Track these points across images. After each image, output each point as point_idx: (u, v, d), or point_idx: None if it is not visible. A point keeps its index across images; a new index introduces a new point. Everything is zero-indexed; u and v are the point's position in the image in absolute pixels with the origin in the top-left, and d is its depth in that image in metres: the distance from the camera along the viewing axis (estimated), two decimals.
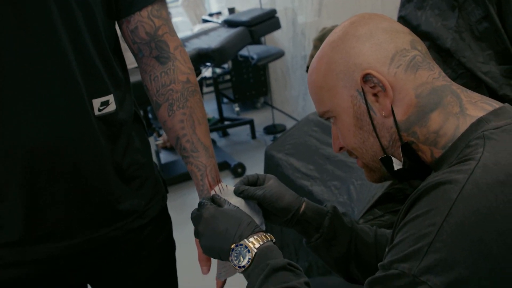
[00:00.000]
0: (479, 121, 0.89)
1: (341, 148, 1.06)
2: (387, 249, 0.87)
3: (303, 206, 1.18)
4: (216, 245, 1.05)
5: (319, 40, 3.01)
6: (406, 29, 0.99)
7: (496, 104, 0.93)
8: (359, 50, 0.96)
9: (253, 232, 1.02)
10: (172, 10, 7.40)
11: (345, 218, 1.22)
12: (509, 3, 1.83)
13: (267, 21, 4.42)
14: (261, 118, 5.57)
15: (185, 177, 4.14)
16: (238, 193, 1.16)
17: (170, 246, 1.41)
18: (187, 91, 1.20)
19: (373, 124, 0.96)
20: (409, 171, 0.98)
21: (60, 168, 1.09)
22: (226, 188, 1.18)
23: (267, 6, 5.10)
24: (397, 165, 0.97)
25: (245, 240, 1.00)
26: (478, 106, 0.93)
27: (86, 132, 1.10)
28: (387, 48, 0.95)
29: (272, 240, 1.03)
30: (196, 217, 1.10)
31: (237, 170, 4.27)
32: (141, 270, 1.33)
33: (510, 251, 0.76)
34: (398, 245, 0.83)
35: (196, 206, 1.14)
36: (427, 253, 0.77)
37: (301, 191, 2.05)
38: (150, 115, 4.97)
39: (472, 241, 0.76)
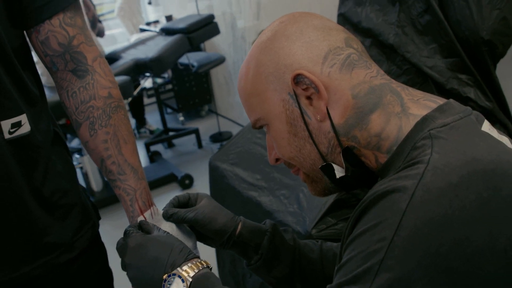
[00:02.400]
0: (424, 120, 0.82)
1: (277, 160, 0.98)
2: (336, 269, 0.79)
3: (239, 227, 1.09)
4: (145, 276, 0.94)
5: None
6: (339, 27, 0.91)
7: (440, 101, 0.86)
8: (289, 50, 0.88)
9: (186, 259, 0.93)
10: (109, 22, 7.27)
11: (286, 235, 1.13)
12: None
13: (205, 27, 4.36)
14: (207, 126, 5.50)
15: None
16: (167, 217, 1.06)
17: (106, 277, 1.29)
18: (110, 107, 1.08)
19: (308, 130, 0.88)
20: (354, 178, 0.90)
21: None
22: (158, 212, 1.07)
23: (204, 11, 5.04)
24: (339, 172, 0.89)
25: (178, 268, 0.91)
26: (421, 104, 0.85)
27: None
28: (319, 46, 0.87)
29: (208, 266, 0.95)
30: (121, 247, 1.00)
31: (185, 181, 4.17)
32: None
33: (470, 262, 0.68)
34: (346, 264, 0.75)
35: None
36: (378, 272, 0.69)
37: (249, 203, 1.95)
38: None
39: (428, 254, 0.67)
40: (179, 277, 0.90)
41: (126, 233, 1.01)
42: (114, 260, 1.29)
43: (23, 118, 1.01)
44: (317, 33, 0.88)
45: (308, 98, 0.87)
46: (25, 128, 1.02)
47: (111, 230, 3.62)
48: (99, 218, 1.27)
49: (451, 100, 0.86)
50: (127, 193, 1.08)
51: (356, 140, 0.86)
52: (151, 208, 1.08)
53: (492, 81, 1.83)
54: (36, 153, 1.06)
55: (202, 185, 4.10)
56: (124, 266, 0.99)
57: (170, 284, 0.90)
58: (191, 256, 0.94)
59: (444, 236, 0.68)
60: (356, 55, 0.88)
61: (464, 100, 1.76)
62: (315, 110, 0.87)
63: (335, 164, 0.89)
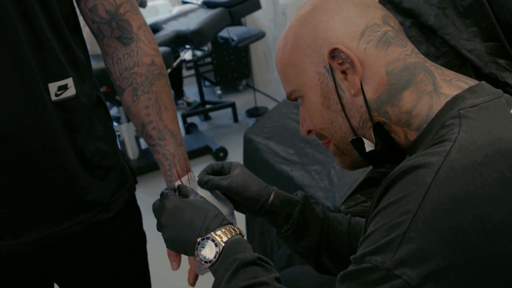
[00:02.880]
0: (455, 99, 0.84)
1: (309, 132, 1.01)
2: (360, 240, 0.82)
3: (272, 196, 1.13)
4: (180, 238, 0.99)
5: None
6: (378, 4, 0.94)
7: (472, 82, 0.88)
8: (328, 24, 0.91)
9: (220, 225, 0.96)
10: None
11: (317, 208, 1.17)
12: None
13: (246, 2, 4.34)
14: (243, 101, 5.50)
15: None
16: (202, 183, 1.10)
17: (139, 239, 1.33)
18: (152, 74, 1.11)
19: (341, 103, 0.91)
20: (383, 153, 0.93)
21: (13, 157, 1.00)
22: (195, 178, 1.11)
23: None
24: (369, 147, 0.92)
25: (212, 233, 0.95)
26: (453, 84, 0.87)
27: (41, 119, 1.01)
28: (357, 22, 0.90)
29: (241, 234, 0.98)
30: (158, 209, 1.04)
31: (219, 154, 4.21)
32: (109, 266, 1.25)
33: (489, 238, 0.70)
34: (370, 236, 0.78)
35: None
36: (401, 244, 0.72)
37: (281, 176, 1.97)
38: None
39: (449, 228, 0.70)
40: (213, 241, 0.94)
41: (163, 195, 1.06)
42: (148, 224, 1.34)
43: (69, 81, 1.05)
44: (356, 9, 0.90)
45: (343, 72, 0.89)
46: (71, 91, 1.06)
47: (145, 197, 3.68)
48: (136, 182, 1.31)
49: (482, 82, 0.88)
50: (166, 158, 1.12)
51: (387, 116, 0.88)
52: (189, 173, 1.12)
53: None
54: (80, 115, 1.10)
55: (236, 159, 4.12)
56: (159, 227, 1.03)
57: (203, 247, 0.94)
58: (225, 222, 0.97)
59: (465, 211, 0.70)
60: (392, 32, 0.90)
61: (502, 85, 1.75)
62: (349, 85, 0.89)
63: (365, 138, 0.92)
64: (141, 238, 1.34)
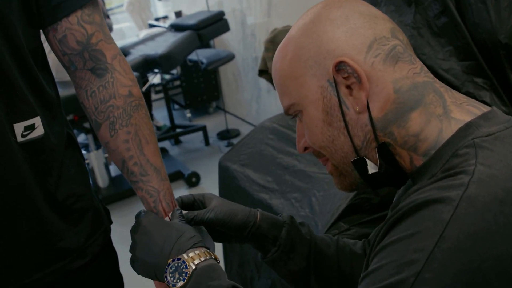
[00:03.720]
0: (468, 126, 0.78)
1: (306, 148, 0.94)
2: (361, 276, 0.76)
3: (258, 219, 1.06)
4: (151, 259, 0.92)
5: (271, 42, 2.91)
6: (385, 16, 0.88)
7: (484, 107, 0.82)
8: (333, 35, 0.84)
9: (193, 247, 0.90)
10: (117, 16, 7.26)
11: (303, 229, 1.11)
12: None
13: (215, 24, 4.34)
14: (214, 123, 5.47)
15: None
16: (189, 221, 1.02)
17: (116, 282, 1.26)
18: (130, 106, 1.04)
19: (345, 121, 0.85)
20: (385, 176, 0.86)
21: None
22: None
23: (214, 8, 5.00)
24: (371, 168, 0.86)
25: (184, 254, 0.88)
26: (464, 109, 0.82)
27: (6, 163, 0.95)
28: (365, 34, 0.83)
29: (216, 260, 0.92)
30: (134, 226, 0.98)
31: (192, 179, 4.14)
32: None
33: (511, 281, 0.65)
34: (375, 272, 0.71)
35: None
36: (414, 285, 0.66)
37: (260, 205, 1.91)
38: None
39: (468, 270, 0.65)
40: (183, 262, 0.87)
41: (139, 213, 1.01)
42: (124, 264, 1.27)
43: (37, 120, 0.98)
44: (363, 20, 0.85)
45: (348, 87, 0.84)
46: (39, 130, 0.99)
47: (116, 227, 3.59)
48: (111, 223, 1.24)
49: (494, 107, 0.83)
50: (150, 195, 1.04)
51: (392, 137, 0.83)
52: (174, 210, 1.04)
53: (508, 85, 1.79)
54: (49, 156, 1.03)
55: (209, 183, 4.08)
56: (132, 246, 0.97)
57: (172, 269, 0.88)
58: (200, 244, 0.91)
59: (487, 252, 0.65)
60: (401, 47, 0.85)
61: None
62: (354, 101, 0.84)
63: (368, 159, 0.87)
64: (118, 280, 1.27)
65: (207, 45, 5.25)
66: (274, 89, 3.02)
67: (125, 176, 1.06)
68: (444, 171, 0.75)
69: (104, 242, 1.18)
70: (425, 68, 0.86)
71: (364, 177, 0.88)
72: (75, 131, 4.30)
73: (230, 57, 4.64)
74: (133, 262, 0.97)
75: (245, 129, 4.97)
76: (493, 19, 1.91)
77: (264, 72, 3.01)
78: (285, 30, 2.92)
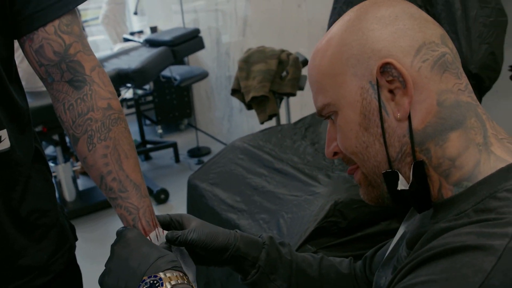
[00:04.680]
0: (510, 169, 0.73)
1: (335, 154, 0.88)
2: None
3: (238, 241, 1.03)
4: (124, 273, 0.88)
5: (244, 61, 2.92)
6: (436, 22, 0.82)
7: None
8: (380, 34, 0.78)
9: (173, 269, 0.86)
10: (92, 28, 7.21)
11: (283, 249, 1.08)
12: None
13: (190, 41, 4.34)
14: (185, 140, 5.44)
15: (106, 204, 3.90)
16: (173, 240, 0.98)
17: None
18: (109, 119, 1.00)
19: (382, 127, 0.79)
20: (413, 196, 0.81)
21: None
22: (163, 234, 1.01)
23: (190, 25, 5.01)
24: (402, 185, 0.80)
25: (161, 273, 0.84)
26: (505, 146, 0.77)
27: None
28: (414, 37, 0.78)
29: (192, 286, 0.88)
30: (117, 238, 0.94)
31: (160, 196, 4.10)
32: None
33: None
34: None
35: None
36: None
37: (228, 225, 1.90)
38: (67, 138, 4.73)
39: None
40: (160, 279, 0.83)
41: (122, 229, 0.97)
42: (88, 281, 1.25)
43: (3, 133, 0.95)
44: (413, 22, 0.79)
45: (391, 92, 0.78)
46: (5, 144, 0.96)
47: (81, 242, 3.53)
48: (76, 239, 1.21)
49: None
50: (129, 212, 0.99)
51: (428, 155, 0.78)
52: (156, 229, 1.01)
53: None
54: (15, 171, 1.00)
55: (178, 201, 4.05)
56: (110, 258, 0.93)
57: (146, 286, 0.83)
58: (179, 269, 0.87)
59: None
60: (450, 56, 0.79)
61: None
62: (396, 107, 0.78)
63: (400, 173, 0.81)
64: None
65: (181, 62, 5.24)
66: (247, 109, 3.04)
67: (104, 193, 1.02)
68: (478, 212, 0.71)
69: (69, 259, 1.15)
70: (470, 87, 0.80)
71: (391, 192, 0.82)
72: (43, 143, 4.24)
73: (203, 75, 4.63)
74: (104, 276, 0.92)
75: (216, 147, 4.95)
76: (464, 50, 1.95)
77: (237, 92, 3.01)
78: (259, 50, 2.94)
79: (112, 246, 0.94)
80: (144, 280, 0.84)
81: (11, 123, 0.98)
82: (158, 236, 1.00)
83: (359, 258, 1.16)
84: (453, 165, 0.76)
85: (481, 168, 0.75)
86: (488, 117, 0.80)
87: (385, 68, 0.77)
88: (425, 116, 0.77)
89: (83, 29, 5.26)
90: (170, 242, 0.98)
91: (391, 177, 0.81)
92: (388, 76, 0.77)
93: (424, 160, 0.78)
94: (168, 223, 1.03)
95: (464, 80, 0.79)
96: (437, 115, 0.77)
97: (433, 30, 0.80)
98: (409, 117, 0.77)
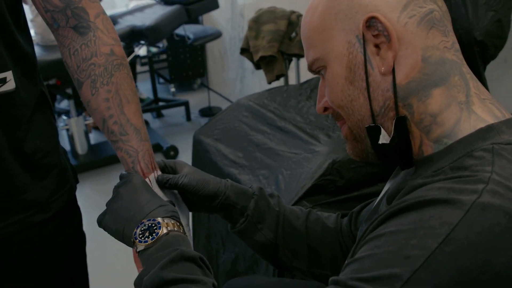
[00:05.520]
0: (489, 129, 0.75)
1: (326, 109, 0.91)
2: (347, 262, 0.74)
3: (228, 189, 1.08)
4: (125, 214, 0.92)
5: (254, 21, 2.93)
6: None
7: (505, 112, 0.80)
8: None
9: (172, 217, 0.90)
10: None
11: (272, 200, 1.12)
12: None
13: (204, 0, 4.30)
14: (197, 100, 5.46)
15: (116, 159, 3.91)
16: (163, 183, 1.02)
17: (78, 241, 1.29)
18: (112, 64, 1.03)
19: (367, 81, 0.81)
20: (394, 151, 0.82)
21: None
22: None
23: None
24: (383, 139, 0.82)
25: (159, 218, 0.88)
26: (487, 107, 0.79)
27: None
28: None
29: (187, 236, 0.92)
30: (122, 180, 0.98)
31: (170, 153, 4.16)
32: (46, 270, 1.20)
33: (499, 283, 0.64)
34: (365, 260, 0.69)
35: None
36: (408, 282, 0.64)
37: (229, 179, 1.95)
38: None
39: (466, 279, 0.63)
40: (158, 223, 0.87)
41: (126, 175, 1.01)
42: (89, 223, 1.30)
43: (9, 74, 1.00)
44: None
45: (376, 46, 0.80)
46: (10, 85, 1.00)
47: (91, 194, 3.63)
48: (77, 182, 1.27)
49: None
50: (129, 155, 1.03)
51: (411, 110, 0.79)
52: (155, 171, 1.04)
53: (481, 82, 1.84)
54: (19, 111, 1.05)
55: (186, 158, 4.06)
56: (112, 199, 0.98)
57: (144, 227, 0.88)
58: (176, 218, 0.92)
59: (488, 266, 0.63)
60: (438, 13, 0.80)
61: None
62: (380, 61, 0.80)
63: (383, 128, 0.82)
64: (81, 240, 1.30)
65: (195, 21, 5.23)
66: (255, 68, 3.05)
67: (106, 136, 1.06)
68: (454, 169, 0.72)
69: (69, 199, 1.20)
70: (457, 45, 0.81)
71: (374, 145, 0.84)
72: (57, 96, 4.30)
73: (217, 35, 4.62)
74: (104, 215, 0.97)
75: None
76: (470, 16, 1.95)
77: (246, 51, 3.03)
78: (270, 10, 2.95)
79: (116, 187, 0.98)
80: (143, 222, 0.88)
81: (16, 66, 1.02)
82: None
83: None
84: (434, 121, 0.78)
85: (461, 126, 0.77)
86: (473, 77, 0.81)
87: (371, 23, 0.79)
88: (409, 71, 0.78)
89: None
90: (160, 185, 1.02)
91: (374, 132, 0.83)
92: (374, 31, 0.79)
93: (406, 115, 0.80)
94: (162, 169, 1.07)
95: (451, 38, 0.81)
96: (421, 71, 0.78)
97: None
98: (393, 72, 0.79)
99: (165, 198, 1.01)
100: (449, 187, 0.69)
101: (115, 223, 0.94)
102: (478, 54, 1.98)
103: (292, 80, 3.27)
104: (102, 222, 0.98)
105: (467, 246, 0.64)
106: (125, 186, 0.96)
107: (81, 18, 1.03)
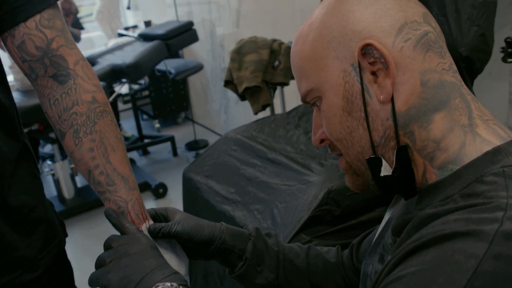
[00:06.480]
0: (497, 152, 0.71)
1: (322, 141, 0.86)
2: None
3: (223, 233, 1.03)
4: (137, 277, 0.84)
5: (236, 52, 2.91)
6: (418, 1, 0.81)
7: (509, 132, 0.76)
8: (360, 15, 0.76)
9: (184, 286, 0.83)
10: (86, 25, 7.18)
11: (270, 240, 1.08)
12: None
13: (184, 34, 4.33)
14: (183, 134, 5.44)
15: None
16: (155, 233, 0.96)
17: None
18: (94, 112, 0.99)
19: (366, 111, 0.77)
20: (397, 182, 0.78)
21: None
22: None
23: (184, 18, 4.99)
24: (385, 170, 0.78)
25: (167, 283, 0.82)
26: (491, 128, 0.75)
27: None
28: (395, 16, 0.76)
29: None
30: (120, 240, 0.92)
31: (159, 190, 4.10)
32: None
33: None
34: None
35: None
36: None
37: (223, 217, 1.90)
38: None
39: None
40: (171, 285, 0.81)
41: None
42: (79, 270, 1.24)
43: None
44: (394, 2, 0.77)
45: (373, 74, 0.76)
46: None
47: (80, 239, 3.55)
48: (66, 235, 1.21)
49: None
50: (118, 206, 0.98)
51: (412, 137, 0.76)
52: (146, 222, 0.99)
53: None
54: (0, 166, 1.00)
55: (176, 195, 4.04)
56: (107, 254, 0.91)
57: None
58: (183, 283, 0.85)
59: None
60: (433, 35, 0.77)
61: None
62: (378, 89, 0.76)
63: (384, 159, 0.79)
64: None
65: (175, 55, 5.23)
66: (240, 100, 3.03)
67: (92, 187, 1.01)
68: (465, 197, 0.69)
69: (58, 254, 1.15)
70: (454, 66, 0.79)
71: (375, 178, 0.80)
72: (40, 141, 4.24)
73: (198, 67, 4.62)
74: (107, 273, 0.89)
75: (213, 140, 4.94)
76: (454, 33, 1.93)
77: (230, 83, 3.00)
78: (251, 40, 2.93)
79: (120, 244, 0.91)
80: (158, 285, 0.82)
81: None
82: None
83: None
84: (438, 148, 0.74)
85: (466, 150, 0.73)
86: (473, 98, 0.78)
87: (366, 50, 0.75)
88: (408, 97, 0.75)
89: (82, 28, 5.24)
90: (153, 235, 0.97)
91: (374, 163, 0.79)
92: (370, 58, 0.75)
93: (408, 143, 0.76)
94: (153, 217, 1.02)
95: (448, 59, 0.78)
96: (421, 96, 0.75)
97: (414, 9, 0.78)
98: (392, 99, 0.75)
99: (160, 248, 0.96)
100: (466, 217, 0.65)
101: (122, 281, 0.87)
102: (464, 70, 1.96)
103: (278, 108, 3.24)
104: (101, 280, 0.89)
105: (496, 280, 0.59)
106: (133, 245, 0.90)
107: (60, 66, 0.99)
